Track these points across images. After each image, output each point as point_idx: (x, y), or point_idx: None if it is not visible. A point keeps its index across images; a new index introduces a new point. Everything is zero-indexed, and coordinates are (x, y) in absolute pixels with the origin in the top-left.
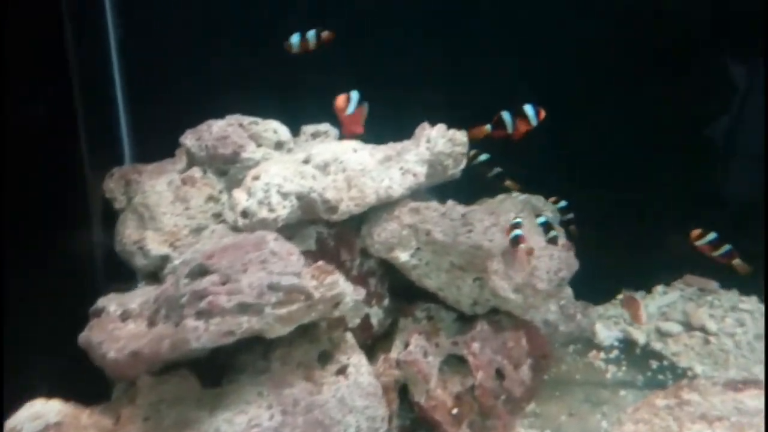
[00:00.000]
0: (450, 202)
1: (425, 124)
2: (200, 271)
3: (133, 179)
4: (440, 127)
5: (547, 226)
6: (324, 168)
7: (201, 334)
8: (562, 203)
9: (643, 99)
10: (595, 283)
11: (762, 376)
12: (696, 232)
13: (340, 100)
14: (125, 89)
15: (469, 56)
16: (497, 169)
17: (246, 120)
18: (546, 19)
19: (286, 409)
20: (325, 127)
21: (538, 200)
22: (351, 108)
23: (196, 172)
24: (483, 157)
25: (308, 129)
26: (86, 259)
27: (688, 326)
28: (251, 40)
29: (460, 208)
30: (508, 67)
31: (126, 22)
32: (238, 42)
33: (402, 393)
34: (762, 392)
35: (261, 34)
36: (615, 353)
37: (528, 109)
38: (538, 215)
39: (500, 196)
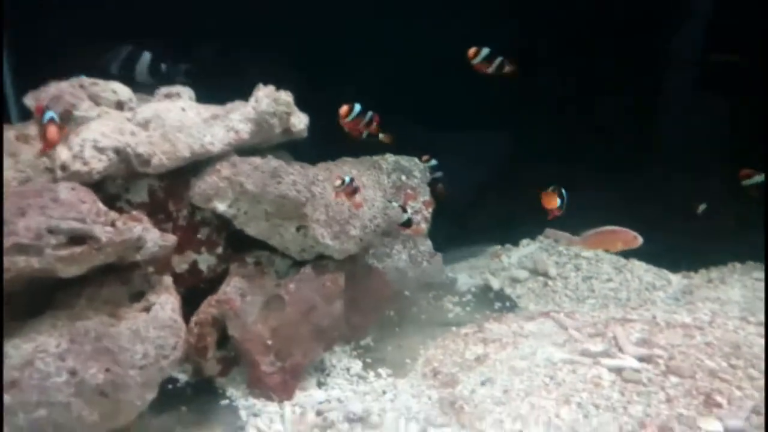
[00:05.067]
0: (269, 157)
1: (260, 86)
2: None
3: None
4: (268, 89)
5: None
6: (145, 124)
7: None
8: (433, 162)
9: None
10: (469, 237)
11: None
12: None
13: None
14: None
15: None
16: (370, 113)
17: (87, 81)
18: None
19: (75, 338)
20: (178, 89)
21: (407, 161)
22: None
23: (31, 129)
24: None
25: (163, 90)
26: None
27: (535, 272)
28: None
29: (274, 162)
30: None
31: None
32: None
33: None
34: (547, 319)
35: None
36: (468, 297)
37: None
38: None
39: (366, 157)
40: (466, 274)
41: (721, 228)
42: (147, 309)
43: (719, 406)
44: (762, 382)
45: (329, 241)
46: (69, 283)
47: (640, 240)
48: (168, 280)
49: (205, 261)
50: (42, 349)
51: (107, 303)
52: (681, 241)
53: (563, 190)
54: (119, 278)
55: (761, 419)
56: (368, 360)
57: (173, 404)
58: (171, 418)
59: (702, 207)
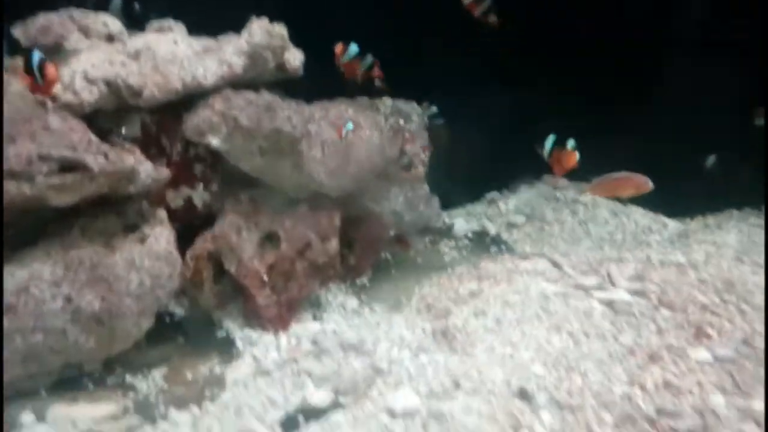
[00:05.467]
0: (263, 91)
1: (253, 18)
2: None
3: None
4: (262, 21)
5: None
6: (135, 56)
7: None
8: (433, 108)
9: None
10: (466, 184)
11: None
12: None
13: None
14: None
15: None
16: (369, 58)
17: (77, 13)
18: None
19: (69, 267)
20: (170, 23)
21: (406, 105)
22: None
23: (20, 61)
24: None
25: (155, 24)
26: None
27: (532, 217)
28: None
29: (269, 97)
30: None
31: None
32: None
33: None
34: (541, 258)
35: None
36: (465, 242)
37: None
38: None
39: (363, 98)
40: (462, 220)
41: (719, 175)
42: (142, 241)
43: (709, 337)
44: (753, 316)
45: (325, 178)
46: (63, 214)
47: (650, 185)
48: (162, 213)
49: (200, 197)
50: (37, 276)
51: (101, 234)
52: (679, 188)
53: (574, 142)
54: (113, 210)
55: (750, 350)
56: (364, 297)
57: (171, 336)
58: (168, 348)
59: (711, 160)
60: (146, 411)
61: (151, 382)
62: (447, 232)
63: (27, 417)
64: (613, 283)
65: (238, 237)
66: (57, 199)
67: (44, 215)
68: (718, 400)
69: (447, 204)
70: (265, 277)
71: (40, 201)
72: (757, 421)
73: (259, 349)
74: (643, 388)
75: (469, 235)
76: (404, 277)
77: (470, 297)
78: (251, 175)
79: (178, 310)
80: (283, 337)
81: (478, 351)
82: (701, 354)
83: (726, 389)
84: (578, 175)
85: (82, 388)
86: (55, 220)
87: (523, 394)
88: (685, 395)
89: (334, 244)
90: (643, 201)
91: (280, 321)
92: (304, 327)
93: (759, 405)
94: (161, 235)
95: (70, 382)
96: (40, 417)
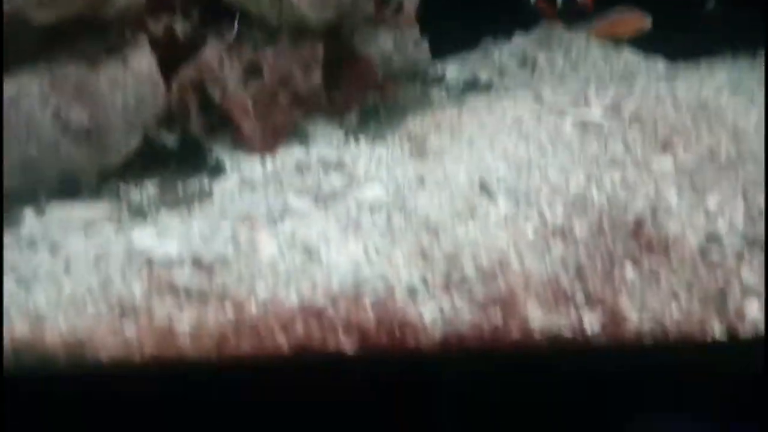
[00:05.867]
0: None
1: None
2: None
3: None
4: None
5: None
6: None
7: None
8: None
9: None
10: (461, 32)
11: None
12: None
13: None
14: None
15: None
16: None
17: None
18: None
19: (55, 84)
20: None
21: None
22: None
23: None
24: None
25: None
26: None
27: (524, 63)
28: None
29: None
30: None
31: None
32: None
33: None
34: (524, 91)
35: None
36: (455, 88)
37: None
38: None
39: None
40: (455, 68)
41: (718, 20)
42: (124, 62)
43: (674, 148)
44: (721, 133)
45: (306, 7)
46: (47, 37)
47: (649, 22)
48: (144, 38)
49: (181, 27)
50: (25, 91)
51: (85, 56)
52: (675, 31)
53: None
54: (95, 34)
55: (713, 160)
56: (349, 132)
57: (162, 160)
58: (160, 169)
59: (711, 3)
60: (139, 213)
61: (143, 193)
62: (438, 79)
63: (28, 215)
64: (588, 106)
65: (221, 67)
66: (38, 15)
67: (29, 38)
68: (671, 196)
69: (440, 53)
70: (250, 106)
71: (22, 17)
72: (706, 213)
73: (245, 169)
74: (599, 186)
75: (461, 81)
76: (391, 117)
77: (449, 125)
78: (231, 7)
79: (168, 139)
80: (269, 160)
81: (447, 159)
82: (664, 161)
83: (682, 188)
84: (574, 17)
85: (79, 197)
86: (40, 43)
87: (483, 187)
88: (640, 192)
89: (317, 75)
90: (637, 43)
91: (265, 146)
92: (290, 152)
93: (712, 201)
94: (143, 58)
95: (67, 192)
96: (40, 215)
